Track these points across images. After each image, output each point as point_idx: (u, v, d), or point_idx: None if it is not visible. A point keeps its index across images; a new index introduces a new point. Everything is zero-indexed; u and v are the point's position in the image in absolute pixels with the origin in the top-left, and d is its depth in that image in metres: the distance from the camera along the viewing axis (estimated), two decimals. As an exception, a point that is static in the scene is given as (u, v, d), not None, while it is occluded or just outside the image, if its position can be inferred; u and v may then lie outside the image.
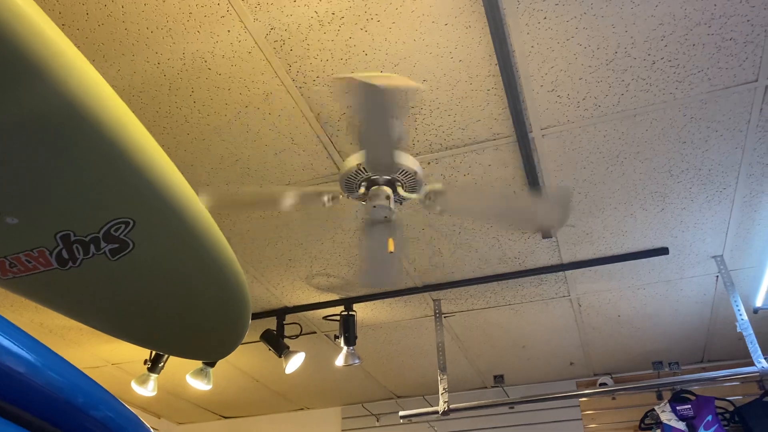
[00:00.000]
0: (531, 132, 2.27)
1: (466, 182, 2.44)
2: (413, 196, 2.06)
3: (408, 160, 1.99)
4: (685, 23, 1.87)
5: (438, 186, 2.07)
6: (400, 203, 2.07)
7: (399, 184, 2.02)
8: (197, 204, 1.26)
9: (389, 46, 1.93)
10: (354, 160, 1.99)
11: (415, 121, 2.21)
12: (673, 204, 2.68)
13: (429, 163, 2.41)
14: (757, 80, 2.07)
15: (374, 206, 1.97)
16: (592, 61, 1.99)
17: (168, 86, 2.06)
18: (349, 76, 1.57)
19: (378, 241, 2.19)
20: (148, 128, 1.11)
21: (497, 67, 1.99)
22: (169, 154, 1.89)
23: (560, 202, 2.17)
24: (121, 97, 1.07)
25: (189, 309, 1.51)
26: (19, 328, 0.82)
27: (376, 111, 1.67)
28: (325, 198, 2.12)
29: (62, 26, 1.82)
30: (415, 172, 2.00)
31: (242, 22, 1.84)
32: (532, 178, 2.46)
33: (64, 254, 1.26)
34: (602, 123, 2.24)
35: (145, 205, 1.19)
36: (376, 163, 1.94)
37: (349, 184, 2.06)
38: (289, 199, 2.07)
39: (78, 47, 0.97)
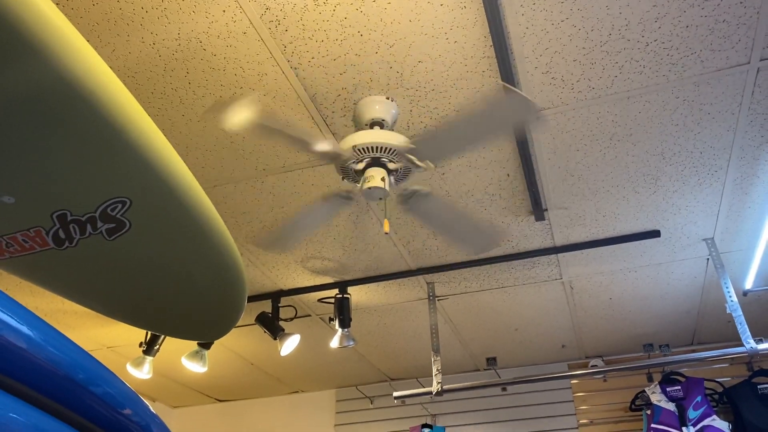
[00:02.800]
0: (525, 114, 2.27)
1: (430, 128, 2.35)
2: (399, 165, 2.06)
3: (391, 138, 2.01)
4: (679, 5, 1.87)
5: (407, 144, 2.03)
6: (403, 180, 2.08)
7: (384, 160, 2.02)
8: (194, 184, 1.26)
9: (384, 26, 1.92)
10: (348, 141, 1.99)
11: (410, 102, 2.20)
12: (665, 187, 2.69)
13: (423, 146, 2.41)
14: (749, 62, 2.08)
15: (368, 188, 1.98)
16: (587, 42, 1.99)
17: (163, 67, 2.05)
18: (506, 86, 1.62)
19: (322, 213, 2.23)
20: (143, 109, 1.10)
21: (492, 48, 1.99)
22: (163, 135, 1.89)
23: (512, 99, 1.99)
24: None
25: (185, 289, 1.52)
26: (19, 304, 0.82)
27: (500, 121, 1.69)
28: (339, 154, 2.07)
29: (57, 4, 1.80)
30: (380, 144, 2.01)
31: (237, 2, 1.83)
32: (526, 160, 2.46)
33: (61, 234, 1.26)
34: (596, 105, 2.25)
35: (141, 184, 1.19)
36: (422, 154, 1.95)
37: (345, 168, 2.06)
38: (312, 143, 2.00)
39: (71, 24, 0.96)
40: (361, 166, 2.04)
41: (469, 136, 1.92)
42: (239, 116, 1.86)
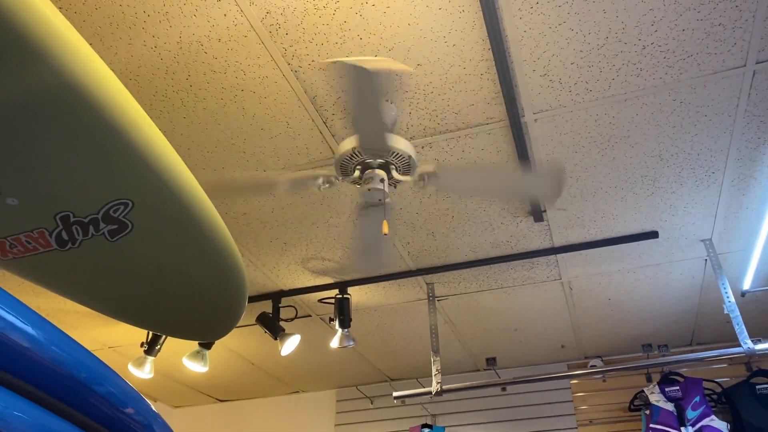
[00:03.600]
0: (523, 116, 2.29)
1: (458, 162, 2.45)
2: (407, 178, 2.08)
3: (401, 143, 2.01)
4: (675, 8, 1.88)
5: (430, 167, 2.10)
6: (395, 186, 2.09)
7: (393, 167, 2.04)
8: (195, 186, 1.27)
9: (384, 30, 1.94)
10: (348, 143, 2.01)
11: (410, 105, 2.22)
12: (663, 188, 2.71)
13: (423, 147, 2.43)
14: (745, 65, 2.09)
15: (368, 189, 1.99)
16: (584, 45, 2.01)
17: (164, 70, 2.06)
18: (340, 60, 1.59)
19: (371, 224, 2.21)
20: (145, 111, 1.12)
21: (490, 51, 2.00)
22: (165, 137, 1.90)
23: (553, 175, 2.19)
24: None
25: (187, 290, 1.53)
26: (23, 304, 0.84)
27: (366, 94, 1.69)
28: (320, 181, 2.13)
29: (60, 8, 1.82)
30: (409, 155, 2.02)
31: (238, 5, 1.85)
32: (524, 162, 2.48)
33: (64, 235, 1.28)
34: (593, 107, 2.26)
35: (143, 186, 1.20)
36: (369, 147, 1.95)
37: (344, 167, 2.08)
38: (283, 185, 2.09)
39: (74, 28, 0.98)
40: (356, 173, 2.05)
41: (484, 189, 1.97)
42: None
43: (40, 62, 0.93)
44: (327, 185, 2.13)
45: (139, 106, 1.10)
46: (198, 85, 2.13)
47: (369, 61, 1.58)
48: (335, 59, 1.81)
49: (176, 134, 2.34)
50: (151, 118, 1.15)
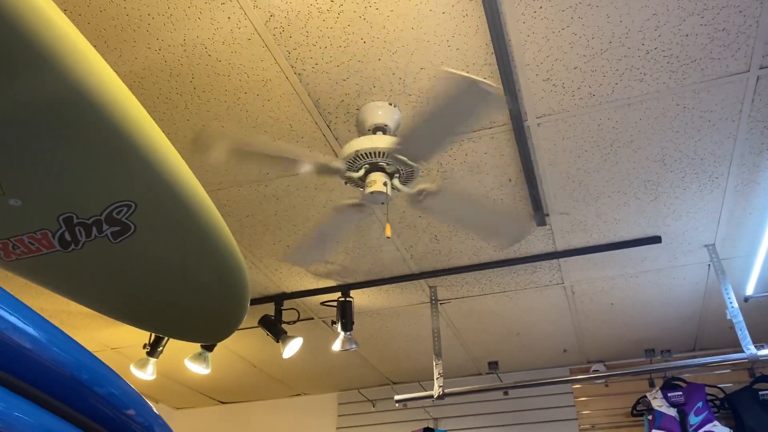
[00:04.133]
0: (526, 120, 2.29)
1: (459, 189, 2.44)
2: (405, 189, 2.08)
3: (375, 142, 2.03)
4: (679, 13, 1.88)
5: (433, 186, 2.09)
6: (398, 190, 2.09)
7: (398, 175, 2.05)
8: (198, 189, 1.28)
9: (387, 34, 1.94)
10: (381, 141, 2.00)
11: (413, 109, 2.22)
12: (666, 193, 2.70)
13: (426, 151, 2.43)
14: (749, 70, 2.09)
15: (371, 192, 1.99)
16: (587, 50, 2.01)
17: (168, 72, 2.07)
18: (455, 72, 1.62)
19: (341, 223, 2.25)
20: (148, 114, 1.12)
21: (493, 56, 2.00)
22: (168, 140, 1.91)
23: (520, 223, 2.25)
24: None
25: (189, 291, 1.53)
26: (25, 305, 0.84)
27: (459, 109, 1.71)
28: (335, 167, 2.11)
29: (64, 11, 1.83)
30: (414, 168, 2.04)
31: (242, 9, 1.85)
32: (527, 166, 2.48)
33: (67, 236, 1.28)
34: (597, 112, 2.26)
35: (146, 188, 1.21)
36: (405, 153, 1.96)
37: (353, 163, 2.07)
38: (304, 164, 2.05)
39: (80, 32, 0.98)
40: (361, 172, 2.06)
41: (444, 128, 1.93)
42: (218, 148, 1.91)
43: (46, 66, 0.94)
44: (334, 176, 2.13)
45: (142, 109, 1.10)
46: (202, 87, 2.13)
47: (483, 82, 1.62)
48: (450, 70, 1.83)
49: (179, 136, 2.35)
50: (154, 120, 1.15)
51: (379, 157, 2.02)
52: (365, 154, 2.01)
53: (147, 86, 2.12)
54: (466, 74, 1.66)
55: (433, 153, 1.96)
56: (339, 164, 2.06)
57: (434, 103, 1.79)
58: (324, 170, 2.08)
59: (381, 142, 2.02)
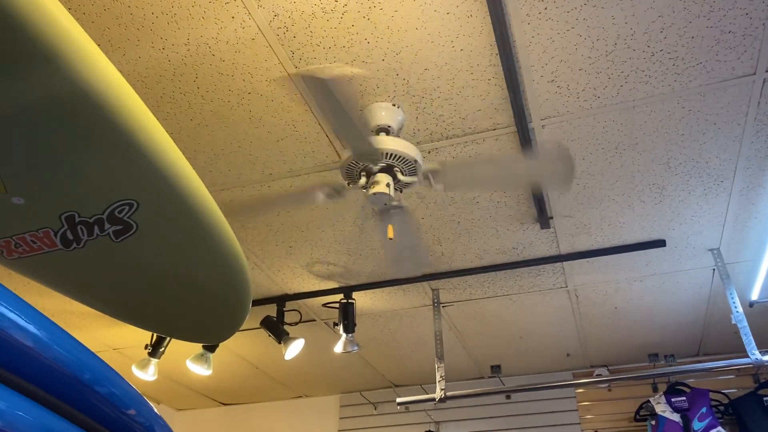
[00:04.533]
0: (531, 122, 2.29)
1: (462, 156, 2.44)
2: (413, 179, 2.08)
3: (396, 144, 2.02)
4: (685, 15, 1.88)
5: (434, 165, 2.10)
6: (400, 191, 2.09)
7: (397, 169, 2.05)
8: (201, 188, 1.28)
9: (391, 34, 1.94)
10: (345, 153, 2.03)
11: (416, 109, 2.22)
12: (671, 196, 2.70)
13: (429, 152, 2.43)
14: (755, 73, 2.08)
15: (374, 194, 1.99)
16: (592, 52, 2.00)
17: (172, 72, 2.07)
18: (304, 71, 1.63)
19: (397, 227, 2.24)
20: (152, 113, 1.12)
21: (498, 57, 2.00)
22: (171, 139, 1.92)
23: (560, 157, 2.14)
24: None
25: (191, 291, 1.53)
26: (27, 304, 0.84)
27: (332, 103, 1.72)
28: (327, 191, 2.16)
29: (68, 9, 1.83)
30: (408, 156, 2.03)
31: (246, 8, 1.86)
32: (528, 148, 2.47)
33: (69, 235, 1.28)
34: (601, 114, 2.26)
35: (149, 187, 1.21)
36: (360, 153, 1.97)
37: (350, 174, 2.09)
38: (289, 199, 2.12)
39: (84, 31, 0.98)
40: (375, 169, 2.06)
41: (492, 181, 1.97)
42: (237, 217, 1.98)
43: (51, 65, 0.94)
44: (335, 195, 2.15)
45: (145, 108, 1.10)
46: (205, 87, 2.13)
47: (326, 69, 1.62)
48: (304, 70, 1.85)
49: (183, 136, 2.35)
50: (158, 119, 1.15)
51: (404, 163, 2.04)
52: (350, 163, 2.03)
53: (150, 85, 2.13)
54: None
55: (461, 190, 1.98)
56: (337, 178, 2.12)
57: (505, 158, 1.80)
58: (330, 194, 2.15)
59: (416, 153, 2.05)
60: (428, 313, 3.73)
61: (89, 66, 0.97)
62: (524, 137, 2.31)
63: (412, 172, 2.08)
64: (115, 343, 4.15)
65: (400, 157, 2.02)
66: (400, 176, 2.06)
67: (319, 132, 2.33)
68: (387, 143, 2.02)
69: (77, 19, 1.79)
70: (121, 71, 2.03)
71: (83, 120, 1.05)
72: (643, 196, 2.70)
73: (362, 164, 2.02)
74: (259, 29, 1.92)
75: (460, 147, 2.41)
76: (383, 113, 2.17)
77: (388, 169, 2.06)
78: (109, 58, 1.99)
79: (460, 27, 1.92)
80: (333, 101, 1.70)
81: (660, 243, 3.01)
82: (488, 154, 2.43)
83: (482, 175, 2.03)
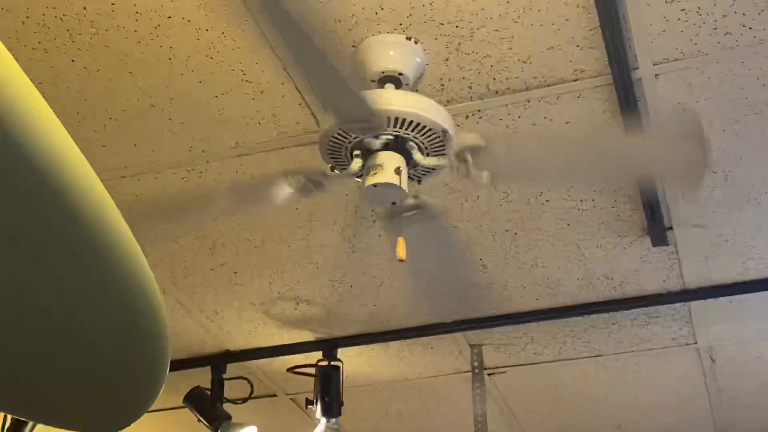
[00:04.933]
0: (637, 68, 2.29)
1: (523, 127, 2.44)
2: (438, 162, 2.08)
3: (415, 102, 2.03)
4: None
5: (475, 139, 2.09)
6: (418, 181, 2.10)
7: (412, 144, 2.05)
8: (88, 177, 1.29)
9: None
10: (327, 121, 2.04)
11: (447, 47, 2.23)
12: None
13: (467, 118, 2.44)
14: None
15: (374, 185, 2.00)
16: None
17: (42, -18, 2.09)
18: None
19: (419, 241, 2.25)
20: (8, 50, 1.14)
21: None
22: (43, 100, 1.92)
23: (687, 135, 2.14)
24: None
25: (71, 350, 1.54)
26: None
27: (295, 38, 1.73)
28: (298, 184, 2.16)
29: None
30: (430, 121, 2.03)
31: None
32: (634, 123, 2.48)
33: None
34: (754, 56, 2.26)
35: (9, 181, 1.22)
36: (348, 118, 1.98)
37: (336, 154, 2.09)
38: (230, 198, 2.12)
39: None
40: (376, 144, 2.06)
41: (573, 169, 1.96)
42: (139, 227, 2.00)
43: None
44: (310, 189, 2.15)
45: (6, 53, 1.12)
46: (99, 9, 2.15)
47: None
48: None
49: (62, 89, 2.36)
50: (19, 63, 1.17)
51: (429, 137, 2.05)
52: (335, 138, 2.04)
53: (9, 6, 2.14)
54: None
55: (515, 180, 1.98)
56: (314, 162, 2.11)
57: (586, 135, 1.81)
58: (300, 181, 2.14)
59: (429, 107, 2.05)
60: (465, 384, 3.72)
61: None
62: (626, 94, 2.32)
63: (439, 151, 2.08)
64: (-57, 429, 4.16)
65: (417, 124, 2.03)
66: (417, 157, 2.06)
67: (286, 81, 2.34)
68: (395, 101, 2.03)
69: None
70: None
71: None
72: (824, 193, 2.70)
73: (354, 137, 2.03)
74: None
75: (519, 109, 2.42)
76: (391, 52, 2.18)
77: (399, 145, 2.06)
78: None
79: None
80: (301, 36, 1.71)
81: None
82: (564, 125, 2.44)
83: (554, 158, 2.02)
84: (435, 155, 2.10)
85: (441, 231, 2.36)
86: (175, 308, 3.27)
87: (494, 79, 2.34)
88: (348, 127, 2.02)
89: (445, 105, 2.36)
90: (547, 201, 2.76)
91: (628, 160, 2.20)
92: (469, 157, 2.11)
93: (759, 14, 2.16)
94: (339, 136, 2.06)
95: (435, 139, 2.07)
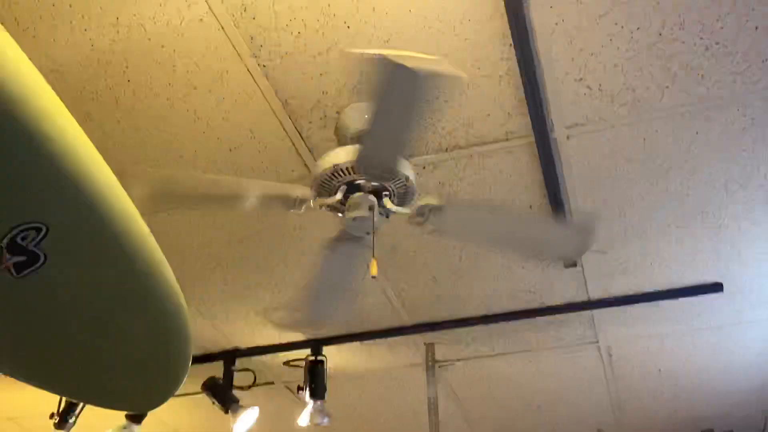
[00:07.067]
0: (553, 131, 2.31)
1: (472, 197, 2.46)
2: (403, 210, 2.08)
3: (407, 167, 2.02)
4: (746, 1, 1.92)
5: (434, 200, 2.09)
6: (386, 216, 2.09)
7: (387, 193, 2.04)
8: (129, 209, 1.27)
9: (378, 17, 1.96)
10: (339, 156, 2.00)
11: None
12: (730, 228, 2.73)
13: (424, 168, 2.44)
14: (835, 75, 2.13)
15: (353, 218, 1.99)
16: (631, 44, 2.04)
17: (96, 60, 2.08)
18: (376, 53, 1.60)
19: (337, 262, 2.22)
20: (69, 112, 1.12)
21: (512, 48, 2.03)
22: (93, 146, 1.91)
23: (584, 228, 2.22)
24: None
25: (112, 343, 1.51)
26: None
27: (399, 102, 1.69)
28: (296, 196, 2.11)
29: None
30: (407, 179, 2.03)
31: (193, -19, 1.87)
32: (553, 189, 2.49)
33: (-48, 269, 1.26)
34: (643, 123, 2.29)
35: (62, 207, 1.20)
36: (371, 166, 1.95)
37: (325, 185, 2.06)
38: (250, 197, 2.07)
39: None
40: (339, 195, 2.04)
41: (505, 240, 1.97)
42: (136, 193, 1.91)
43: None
44: (301, 208, 2.12)
45: (62, 106, 1.10)
46: (138, 80, 2.14)
47: (414, 59, 1.59)
48: (363, 51, 1.83)
49: (108, 141, 2.34)
50: (77, 121, 1.15)
51: (349, 173, 2.01)
52: (343, 171, 2.01)
53: (68, 77, 2.13)
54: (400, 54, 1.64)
55: (400, 152, 1.95)
56: (301, 191, 2.06)
57: (375, 96, 1.77)
58: (287, 203, 2.08)
59: (339, 155, 2.01)
60: (420, 374, 3.70)
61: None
62: (545, 150, 2.33)
63: (403, 201, 2.06)
64: (10, 410, 4.07)
65: (399, 179, 2.01)
66: (388, 203, 2.04)
67: (284, 139, 2.34)
68: (406, 167, 2.02)
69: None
70: (31, 58, 2.03)
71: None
72: (694, 227, 2.72)
73: (350, 178, 2.01)
74: (210, 8, 1.93)
75: (463, 161, 2.42)
76: (366, 117, 2.17)
77: (376, 191, 2.04)
78: (17, 42, 1.98)
79: (464, 10, 1.94)
80: (404, 100, 1.67)
81: (716, 287, 3.03)
82: (507, 206, 2.47)
83: (492, 228, 2.03)
84: (399, 204, 2.08)
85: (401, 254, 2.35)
86: (196, 315, 3.24)
87: (445, 138, 2.34)
88: (366, 171, 1.99)
89: (408, 158, 2.36)
90: (477, 245, 2.76)
91: (548, 243, 2.25)
92: (428, 212, 2.10)
93: (646, 89, 2.18)
94: (328, 179, 2.04)
95: (401, 185, 2.04)
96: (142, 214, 1.32)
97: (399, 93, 1.68)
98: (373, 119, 1.81)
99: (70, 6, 1.93)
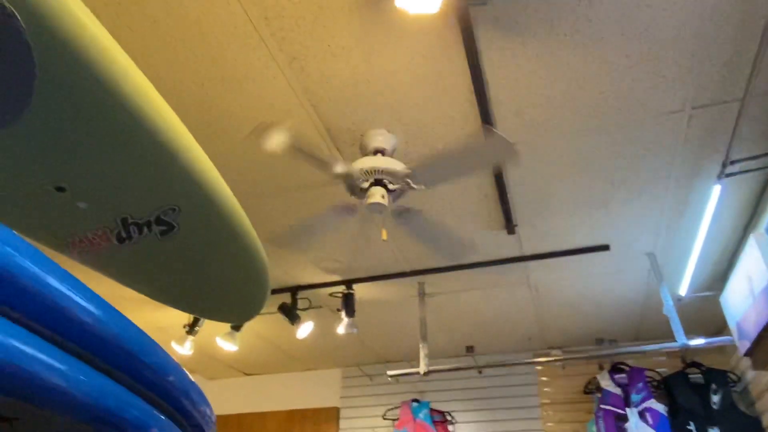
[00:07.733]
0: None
1: (427, 155, 2.33)
2: (398, 185, 2.07)
3: (392, 164, 2.03)
4: (627, 62, 1.90)
5: (406, 168, 2.06)
6: (394, 200, 2.10)
7: (392, 193, 2.05)
8: (230, 196, 1.29)
9: (387, 75, 1.95)
10: (368, 162, 2.01)
11: (406, 135, 2.23)
12: (615, 209, 2.72)
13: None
14: (683, 110, 2.11)
15: (371, 203, 2.00)
16: (550, 91, 2.03)
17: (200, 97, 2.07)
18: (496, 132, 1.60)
19: (328, 220, 2.25)
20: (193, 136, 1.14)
21: (474, 95, 2.02)
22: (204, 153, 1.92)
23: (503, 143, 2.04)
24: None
25: (221, 281, 1.54)
26: (89, 289, 0.86)
27: (482, 158, 1.68)
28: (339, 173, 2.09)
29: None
30: (392, 170, 2.03)
31: (275, 61, 1.87)
32: (500, 184, 2.49)
33: (123, 234, 1.29)
34: (559, 140, 2.28)
35: (188, 195, 1.22)
36: (417, 179, 1.97)
37: (353, 186, 2.08)
38: (335, 167, 2.03)
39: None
40: (366, 184, 2.06)
41: (456, 168, 1.96)
42: (276, 139, 1.88)
43: (111, 98, 0.94)
44: (352, 212, 2.14)
45: (185, 129, 1.12)
46: (232, 113, 2.14)
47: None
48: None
49: (217, 153, 2.35)
50: (196, 140, 1.16)
51: (387, 175, 2.02)
52: (376, 171, 2.02)
53: (182, 96, 2.13)
54: (493, 129, 1.63)
55: (436, 184, 1.96)
56: (354, 172, 2.05)
57: (456, 146, 1.78)
58: (341, 176, 2.07)
59: (394, 165, 2.03)
60: (415, 302, 3.72)
61: (138, 93, 0.96)
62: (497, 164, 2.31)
63: (397, 181, 2.07)
64: (159, 322, 4.14)
65: (380, 171, 2.02)
66: (390, 186, 2.06)
67: (328, 153, 2.34)
68: (382, 162, 2.03)
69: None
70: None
71: (134, 141, 1.06)
72: (591, 209, 2.71)
73: (365, 178, 2.03)
74: (281, 70, 1.93)
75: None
76: (380, 138, 2.18)
77: (380, 182, 2.05)
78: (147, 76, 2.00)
79: (440, 70, 1.93)
80: (301, 151, 1.67)
81: (605, 247, 3.02)
82: (445, 148, 2.31)
83: (450, 164, 1.96)
84: (396, 183, 2.07)
85: (426, 218, 2.33)
86: (273, 265, 3.26)
87: (430, 150, 2.34)
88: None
89: (407, 164, 2.36)
90: (455, 211, 2.76)
91: (485, 153, 2.02)
92: (409, 180, 2.08)
93: (561, 120, 2.16)
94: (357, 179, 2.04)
95: (392, 175, 2.05)
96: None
97: (482, 153, 1.68)
98: (446, 156, 1.82)
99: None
